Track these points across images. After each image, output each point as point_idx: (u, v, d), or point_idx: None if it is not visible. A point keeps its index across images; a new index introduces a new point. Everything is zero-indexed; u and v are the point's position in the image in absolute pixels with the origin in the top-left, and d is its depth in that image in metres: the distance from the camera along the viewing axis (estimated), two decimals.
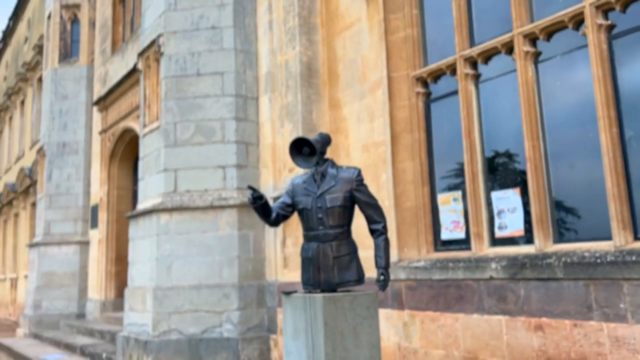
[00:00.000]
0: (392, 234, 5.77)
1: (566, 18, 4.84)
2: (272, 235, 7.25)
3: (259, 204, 3.34)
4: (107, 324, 11.26)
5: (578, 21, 4.82)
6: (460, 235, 5.80)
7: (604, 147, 4.49)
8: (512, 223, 5.31)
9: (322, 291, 3.36)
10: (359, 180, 3.45)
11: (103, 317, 11.80)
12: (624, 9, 4.57)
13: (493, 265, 4.99)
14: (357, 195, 3.43)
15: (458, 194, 5.84)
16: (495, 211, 5.46)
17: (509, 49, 5.39)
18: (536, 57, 5.19)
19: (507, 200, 5.37)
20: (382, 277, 3.36)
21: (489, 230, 5.49)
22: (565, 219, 4.97)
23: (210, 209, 7.27)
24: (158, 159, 7.67)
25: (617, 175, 4.41)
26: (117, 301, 11.73)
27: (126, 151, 12.43)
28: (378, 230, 3.45)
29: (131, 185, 12.63)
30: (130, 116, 11.38)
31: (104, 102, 12.73)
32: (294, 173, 6.85)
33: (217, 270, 7.11)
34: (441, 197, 6.00)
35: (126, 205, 12.32)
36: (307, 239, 3.45)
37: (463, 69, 5.73)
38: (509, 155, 5.42)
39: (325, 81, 7.22)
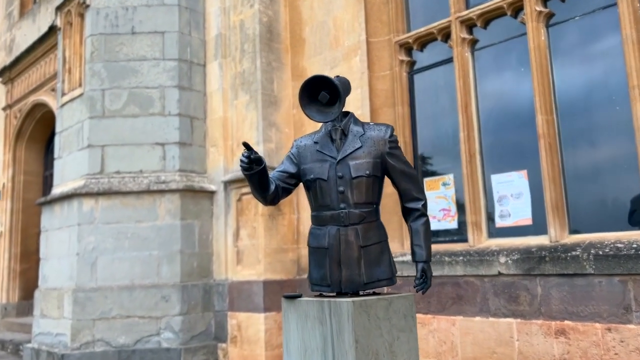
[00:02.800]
0: None
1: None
2: (222, 225, 6.15)
3: (255, 171, 2.31)
4: (9, 331, 9.56)
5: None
6: (452, 225, 5.02)
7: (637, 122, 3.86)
8: (516, 211, 4.60)
9: (343, 294, 2.40)
10: (393, 141, 2.52)
11: (4, 323, 10.04)
12: None
13: (502, 259, 4.24)
14: (391, 162, 2.49)
15: (449, 177, 5.06)
16: (496, 197, 4.72)
17: (516, 9, 4.67)
18: (548, 20, 4.50)
19: (511, 184, 4.65)
20: (422, 276, 2.45)
21: (488, 219, 4.75)
22: (581, 206, 4.31)
23: (146, 193, 6.04)
24: (80, 133, 6.31)
25: None
26: (23, 305, 10.03)
27: (36, 130, 10.68)
28: (417, 211, 2.52)
29: (42, 170, 10.90)
30: (43, 89, 9.73)
31: (9, 73, 10.88)
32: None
33: (155, 267, 5.90)
34: (428, 182, 5.20)
35: (35, 193, 10.57)
36: (321, 221, 2.46)
37: (459, 33, 4.95)
38: (513, 133, 4.69)
39: (287, 46, 6.21)
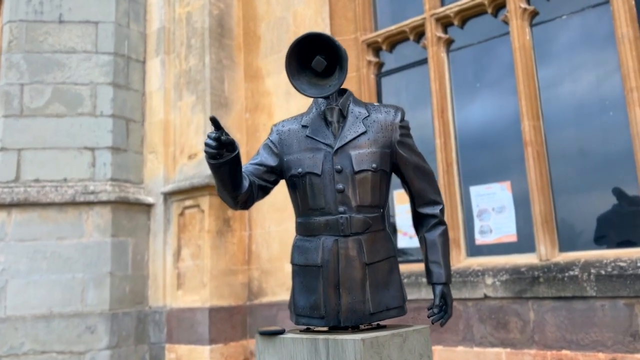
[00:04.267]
0: None
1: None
2: (160, 243, 5.35)
3: (226, 159, 1.66)
4: None
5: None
6: None
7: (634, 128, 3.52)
8: (499, 226, 4.15)
9: (341, 328, 1.78)
10: (404, 127, 1.94)
11: None
12: None
13: (488, 280, 3.75)
14: (402, 153, 1.91)
15: None
16: (476, 211, 4.27)
17: (497, 7, 4.30)
18: (532, 18, 4.15)
19: (492, 197, 4.21)
20: (441, 302, 1.88)
21: (467, 235, 4.28)
22: (572, 221, 3.92)
23: (70, 205, 5.16)
24: None
25: None
26: None
27: None
28: (433, 218, 1.95)
29: None
30: None
31: None
32: (196, 161, 5.10)
33: (79, 292, 5.01)
34: (399, 194, 4.68)
35: None
36: (311, 229, 1.83)
37: (434, 32, 4.52)
38: (495, 140, 4.28)
39: (240, 44, 5.59)
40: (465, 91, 4.47)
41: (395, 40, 4.82)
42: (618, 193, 3.71)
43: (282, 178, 1.97)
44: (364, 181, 1.83)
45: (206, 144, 1.66)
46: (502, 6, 4.25)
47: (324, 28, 4.94)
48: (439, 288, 1.90)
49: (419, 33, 4.66)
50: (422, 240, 1.99)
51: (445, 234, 1.97)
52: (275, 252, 5.02)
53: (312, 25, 5.05)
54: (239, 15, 5.63)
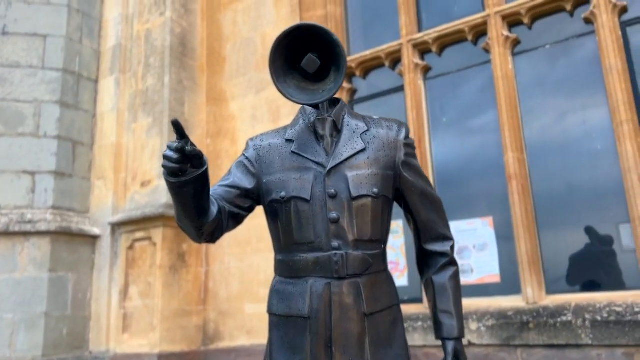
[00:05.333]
0: None
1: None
2: (105, 280, 4.80)
3: (191, 176, 1.27)
4: None
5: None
6: (402, 282, 4.16)
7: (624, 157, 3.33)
8: (481, 265, 3.86)
9: None
10: (409, 145, 1.61)
11: None
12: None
13: (473, 325, 3.42)
14: (407, 177, 1.56)
15: (397, 224, 4.24)
16: (456, 249, 3.95)
17: (477, 34, 4.12)
18: (514, 47, 3.98)
19: (474, 233, 3.93)
20: None
21: None
22: (557, 260, 3.66)
23: (3, 236, 4.57)
24: None
25: None
26: None
27: None
28: (443, 257, 1.61)
29: None
30: None
31: None
32: (150, 189, 4.64)
33: (7, 336, 4.37)
34: None
35: None
36: (296, 269, 1.45)
37: (412, 58, 4.29)
38: (476, 173, 4.02)
39: (204, 65, 5.22)
40: (443, 121, 4.23)
41: (369, 66, 4.57)
42: (595, 234, 3.51)
43: (258, 204, 1.59)
44: (363, 209, 1.48)
45: (165, 157, 1.27)
46: (483, 33, 4.08)
47: None
48: (451, 344, 1.53)
49: (395, 59, 4.43)
50: (428, 284, 1.63)
51: (457, 277, 1.63)
52: (235, 291, 4.55)
53: None
54: (202, 35, 5.29)
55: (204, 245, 4.78)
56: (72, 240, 4.79)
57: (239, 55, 5.04)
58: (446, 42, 4.25)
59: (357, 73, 4.61)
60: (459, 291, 1.61)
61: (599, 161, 3.54)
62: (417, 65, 4.28)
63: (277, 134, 1.62)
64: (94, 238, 4.95)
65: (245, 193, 1.55)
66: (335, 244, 1.44)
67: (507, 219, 3.73)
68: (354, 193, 1.47)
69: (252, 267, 4.51)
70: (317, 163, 1.50)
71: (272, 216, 1.53)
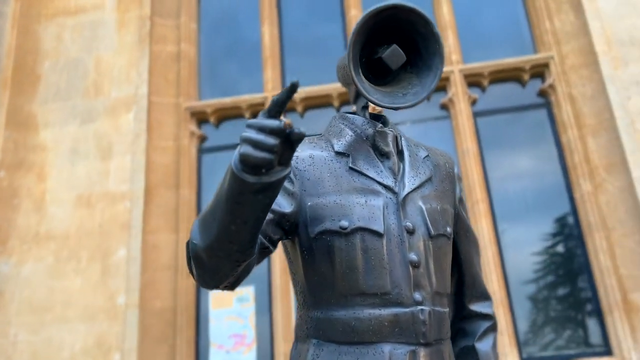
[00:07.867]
0: (131, 355, 3.21)
1: None
2: None
3: (276, 178, 0.79)
4: None
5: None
6: (247, 358, 3.65)
7: None
8: None
9: None
10: (461, 180, 1.31)
11: None
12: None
13: None
14: (464, 218, 1.23)
15: (248, 290, 3.78)
16: None
17: (342, 102, 4.14)
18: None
19: None
20: None
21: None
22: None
23: None
24: None
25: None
26: None
27: None
28: (487, 320, 1.25)
29: None
30: None
31: None
32: None
33: None
34: (216, 297, 3.79)
35: None
36: (357, 329, 1.00)
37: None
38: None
39: (7, 79, 4.16)
40: None
41: (226, 115, 4.21)
42: None
43: (288, 236, 1.11)
44: (441, 252, 1.14)
45: (251, 141, 0.79)
46: (345, 102, 4.11)
47: (139, 83, 4.02)
48: None
49: (256, 112, 4.16)
50: (467, 351, 1.32)
51: (495, 339, 1.36)
52: None
53: (124, 78, 4.07)
54: (11, 44, 4.25)
55: None
56: None
57: (61, 76, 4.15)
58: (310, 105, 4.16)
59: (211, 120, 4.22)
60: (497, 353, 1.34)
61: None
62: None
63: (316, 146, 1.19)
64: None
65: (279, 219, 1.07)
66: (418, 296, 1.06)
67: None
68: (433, 231, 1.12)
69: (52, 342, 3.47)
70: (386, 187, 1.11)
71: (321, 254, 1.07)
